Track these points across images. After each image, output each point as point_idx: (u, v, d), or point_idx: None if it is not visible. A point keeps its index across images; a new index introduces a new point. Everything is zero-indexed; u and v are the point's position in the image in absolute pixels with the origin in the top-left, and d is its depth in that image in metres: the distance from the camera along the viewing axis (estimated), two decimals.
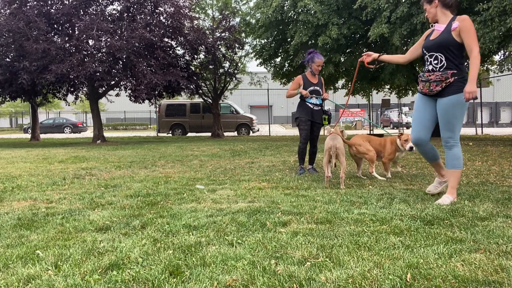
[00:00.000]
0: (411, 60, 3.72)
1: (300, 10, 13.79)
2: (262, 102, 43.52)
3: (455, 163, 3.34)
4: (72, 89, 14.62)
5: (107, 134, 23.02)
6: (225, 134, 19.26)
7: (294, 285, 1.77)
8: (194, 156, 8.07)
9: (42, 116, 34.06)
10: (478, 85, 16.44)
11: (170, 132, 20.72)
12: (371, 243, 2.28)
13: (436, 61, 3.29)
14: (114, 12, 14.00)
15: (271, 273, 1.89)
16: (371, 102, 19.76)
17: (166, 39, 14.64)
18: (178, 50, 15.60)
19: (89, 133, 27.55)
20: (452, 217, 2.81)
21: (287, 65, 16.21)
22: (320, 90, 5.31)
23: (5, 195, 4.04)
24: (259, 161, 6.86)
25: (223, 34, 16.29)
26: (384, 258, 2.05)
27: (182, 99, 21.73)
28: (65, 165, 6.79)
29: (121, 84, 14.32)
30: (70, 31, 13.73)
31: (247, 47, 17.66)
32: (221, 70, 17.28)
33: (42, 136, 21.16)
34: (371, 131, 22.70)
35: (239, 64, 17.96)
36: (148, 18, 13.60)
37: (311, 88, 5.24)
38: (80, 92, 15.15)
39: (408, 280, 1.78)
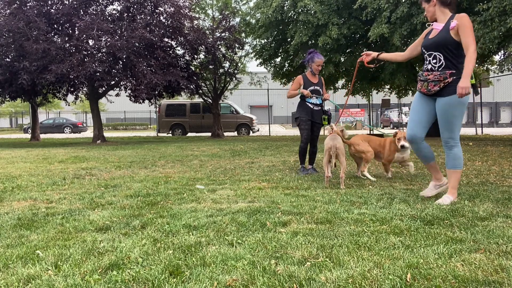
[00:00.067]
0: (410, 58, 3.71)
1: (300, 10, 13.79)
2: (262, 102, 43.53)
3: (456, 163, 3.34)
4: (72, 89, 14.62)
5: (107, 134, 23.02)
6: (225, 134, 19.27)
7: (294, 285, 1.77)
8: (194, 156, 8.07)
9: (42, 116, 34.07)
10: (478, 85, 16.43)
11: (170, 132, 20.72)
12: (371, 243, 2.28)
13: (435, 61, 3.28)
14: (114, 12, 14.01)
15: (271, 273, 1.89)
16: (371, 102, 19.77)
17: (166, 39, 14.64)
18: (178, 50, 15.60)
19: (89, 133, 27.55)
20: (452, 217, 2.81)
21: (287, 65, 16.22)
22: (321, 89, 5.31)
23: (5, 195, 4.04)
24: (259, 161, 6.86)
25: (223, 34, 16.30)
26: (384, 258, 2.05)
27: (182, 99, 21.73)
28: (65, 165, 6.79)
29: (121, 84, 14.32)
30: (70, 31, 13.73)
31: (247, 47, 17.68)
32: (221, 70, 17.28)
33: (42, 136, 21.16)
34: (371, 131, 22.70)
35: (239, 64, 17.96)
36: (148, 18, 13.60)
37: (311, 87, 5.24)
38: (80, 92, 15.15)
39: (408, 280, 1.78)
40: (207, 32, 16.41)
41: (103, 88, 14.63)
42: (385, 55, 3.80)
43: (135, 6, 13.88)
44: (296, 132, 24.29)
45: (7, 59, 13.17)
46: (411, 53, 3.64)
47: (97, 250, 2.26)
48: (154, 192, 4.02)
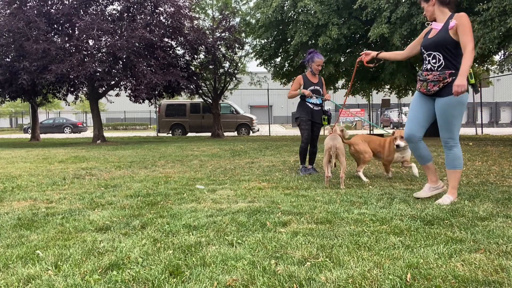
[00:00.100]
0: (410, 57, 3.70)
1: (300, 10, 13.79)
2: (262, 102, 43.53)
3: (455, 163, 3.33)
4: (72, 89, 14.63)
5: (107, 134, 23.02)
6: (225, 134, 19.27)
7: (294, 285, 1.77)
8: (194, 156, 8.07)
9: (42, 116, 34.07)
10: (479, 85, 16.43)
11: (170, 132, 20.72)
12: (371, 243, 2.28)
13: (434, 60, 3.28)
14: (114, 12, 14.01)
15: (271, 273, 1.89)
16: (371, 102, 19.76)
17: (166, 39, 14.64)
18: (178, 50, 15.60)
19: (89, 133, 27.55)
20: (452, 217, 2.81)
21: (287, 65, 16.22)
22: (321, 89, 5.31)
23: (5, 195, 4.04)
24: (259, 161, 6.86)
25: (223, 34, 16.30)
26: (384, 258, 2.05)
27: (182, 99, 21.73)
28: (65, 165, 6.79)
29: (121, 84, 14.32)
30: (70, 31, 13.73)
31: (247, 47, 17.68)
32: (221, 70, 17.28)
33: (42, 136, 21.16)
34: (371, 131, 22.69)
35: (239, 64, 17.97)
36: (148, 18, 13.61)
37: (312, 87, 5.24)
38: (80, 92, 15.16)
39: (408, 280, 1.78)
40: (207, 32, 16.41)
41: (103, 88, 14.64)
42: (384, 54, 3.80)
43: (135, 6, 13.88)
44: (296, 132, 24.29)
45: (7, 59, 13.17)
46: (410, 52, 3.63)
47: (97, 250, 2.26)
48: (154, 192, 4.02)
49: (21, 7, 12.59)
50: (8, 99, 14.80)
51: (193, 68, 16.40)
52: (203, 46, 15.38)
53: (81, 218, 3.02)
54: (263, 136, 19.63)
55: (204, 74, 17.07)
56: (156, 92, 14.84)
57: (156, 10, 14.18)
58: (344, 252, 2.14)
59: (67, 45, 12.96)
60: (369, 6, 11.86)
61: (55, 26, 13.63)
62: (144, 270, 1.95)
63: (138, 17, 13.83)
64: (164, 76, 13.12)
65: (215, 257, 2.10)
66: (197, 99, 19.60)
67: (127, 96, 14.35)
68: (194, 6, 16.24)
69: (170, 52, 14.89)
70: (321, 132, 18.00)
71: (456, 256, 2.06)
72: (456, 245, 2.22)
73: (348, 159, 6.31)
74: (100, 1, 13.93)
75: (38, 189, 4.34)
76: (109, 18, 13.70)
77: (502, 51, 12.10)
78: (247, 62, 18.72)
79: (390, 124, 32.60)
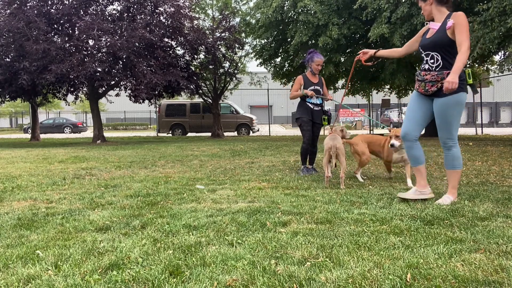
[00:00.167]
0: (407, 54, 3.69)
1: (300, 10, 13.79)
2: (262, 102, 43.52)
3: (455, 164, 3.33)
4: (72, 89, 14.63)
5: (107, 134, 23.02)
6: (225, 134, 19.27)
7: (294, 285, 1.77)
8: (194, 156, 8.07)
9: (42, 116, 34.07)
10: (478, 85, 16.42)
11: (170, 132, 20.73)
12: (371, 243, 2.28)
13: (432, 60, 3.27)
14: (114, 12, 14.01)
15: (271, 273, 1.89)
16: (371, 102, 19.76)
17: (166, 39, 14.64)
18: (178, 50, 15.60)
19: (89, 133, 27.55)
20: (452, 217, 2.81)
21: (287, 65, 16.21)
22: (321, 89, 5.31)
23: (5, 195, 4.04)
24: (259, 161, 6.86)
25: (223, 34, 16.30)
26: (384, 258, 2.05)
27: (182, 99, 21.74)
28: (65, 165, 6.79)
29: (121, 84, 14.33)
30: (70, 31, 13.73)
31: (247, 47, 17.68)
32: (221, 70, 17.28)
33: (42, 136, 21.16)
34: (371, 131, 22.69)
35: (239, 64, 17.97)
36: (148, 18, 13.61)
37: (312, 87, 5.24)
38: (80, 92, 15.16)
39: (408, 280, 1.78)
40: (207, 32, 16.41)
41: (103, 88, 14.64)
42: (382, 52, 3.79)
43: (135, 6, 13.89)
44: (296, 132, 24.30)
45: (7, 59, 13.17)
46: (408, 49, 3.62)
47: (97, 250, 2.26)
48: (154, 192, 4.02)
49: (21, 7, 12.59)
50: (8, 99, 14.80)
51: (193, 68, 16.40)
52: (203, 46, 15.38)
53: (81, 218, 3.02)
54: (263, 136, 19.63)
55: (204, 74, 17.07)
56: (156, 92, 14.84)
57: (156, 10, 14.18)
58: (344, 252, 2.14)
59: (67, 45, 12.96)
60: (369, 6, 11.85)
61: (55, 26, 13.63)
62: (144, 270, 1.95)
63: (138, 17, 13.83)
64: (164, 76, 13.12)
65: (215, 257, 2.10)
66: (197, 99, 19.60)
67: (127, 96, 14.35)
68: (194, 6, 16.24)
69: (170, 52, 14.89)
70: (321, 132, 18.01)
71: (456, 256, 2.06)
72: (456, 245, 2.22)
73: (349, 159, 6.31)
74: (100, 1, 13.93)
75: (38, 189, 4.34)
76: (109, 18, 13.71)
77: (502, 51, 12.10)
78: (247, 62, 18.74)
79: (390, 124, 32.59)
